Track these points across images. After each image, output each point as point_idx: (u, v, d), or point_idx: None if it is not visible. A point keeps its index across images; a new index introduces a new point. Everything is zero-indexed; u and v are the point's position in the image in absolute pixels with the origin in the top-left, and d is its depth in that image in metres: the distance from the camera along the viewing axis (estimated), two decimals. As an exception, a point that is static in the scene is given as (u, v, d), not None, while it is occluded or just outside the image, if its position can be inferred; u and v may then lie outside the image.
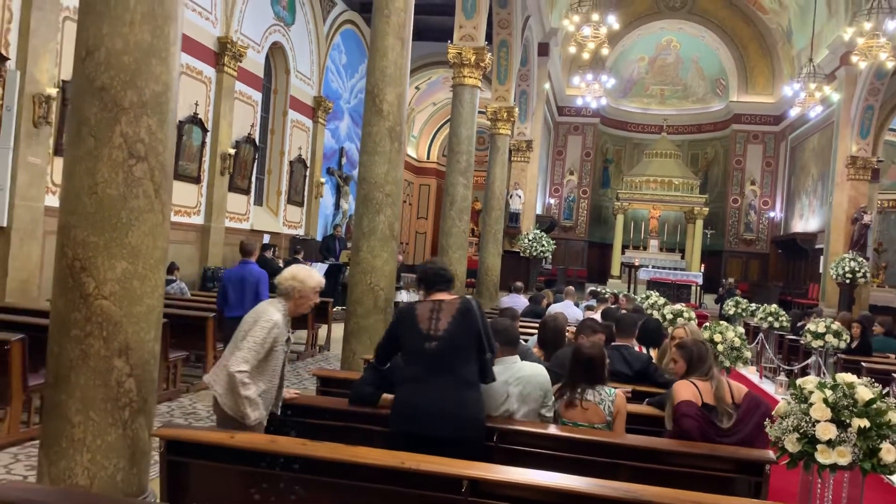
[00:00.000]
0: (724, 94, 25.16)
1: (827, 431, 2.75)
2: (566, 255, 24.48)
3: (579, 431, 3.48)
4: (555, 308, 9.49)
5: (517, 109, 15.33)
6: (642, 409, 4.17)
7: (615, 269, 24.02)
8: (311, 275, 3.59)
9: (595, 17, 12.49)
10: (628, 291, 17.84)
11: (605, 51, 12.97)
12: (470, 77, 11.17)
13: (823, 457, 2.75)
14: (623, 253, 24.16)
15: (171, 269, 9.89)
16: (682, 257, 24.14)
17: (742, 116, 24.43)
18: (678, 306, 8.87)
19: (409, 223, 24.68)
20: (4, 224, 7.69)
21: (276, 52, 14.12)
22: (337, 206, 17.56)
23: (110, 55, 3.26)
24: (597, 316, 8.54)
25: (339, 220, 17.14)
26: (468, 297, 3.61)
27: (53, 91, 8.07)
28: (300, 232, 15.53)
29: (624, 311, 8.40)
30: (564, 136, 25.49)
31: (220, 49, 11.66)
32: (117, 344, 3.24)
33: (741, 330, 5.91)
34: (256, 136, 13.23)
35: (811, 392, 2.88)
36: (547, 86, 19.60)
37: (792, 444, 2.85)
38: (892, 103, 17.06)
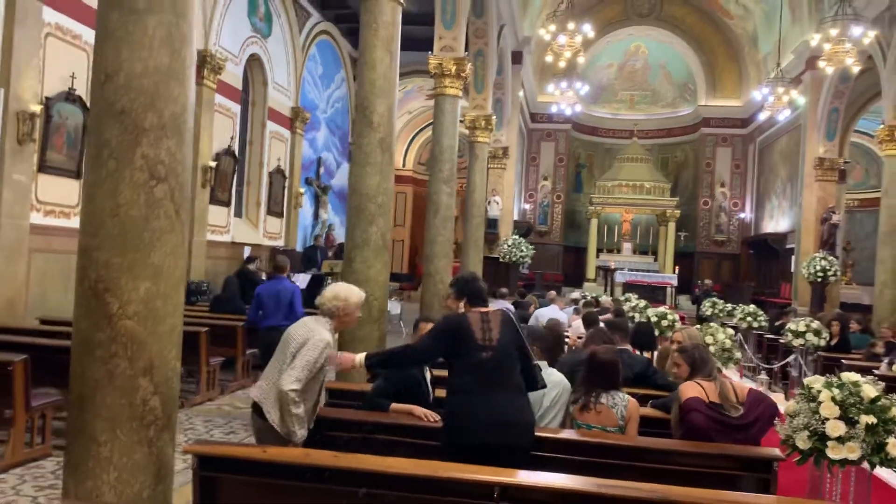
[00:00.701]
0: (693, 99, 25.64)
1: (837, 428, 2.90)
2: (542, 259, 24.66)
3: (592, 434, 3.60)
4: (542, 313, 9.63)
5: (494, 117, 15.49)
6: (648, 411, 4.30)
7: (590, 273, 24.33)
8: (352, 291, 3.67)
9: (571, 25, 12.71)
10: (605, 294, 18.09)
11: (580, 59, 13.20)
12: (451, 87, 11.28)
13: (834, 452, 2.90)
14: (597, 256, 24.49)
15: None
16: (655, 259, 24.53)
17: (710, 120, 24.93)
18: (662, 308, 9.06)
19: (386, 231, 24.66)
20: (-10, 243, 7.62)
21: (254, 64, 14.12)
22: (316, 216, 17.55)
23: (130, 79, 3.30)
24: (579, 320, 8.71)
25: (319, 231, 17.14)
26: (503, 308, 3.73)
27: (37, 108, 8.01)
28: (280, 243, 15.50)
29: (609, 315, 8.57)
30: (537, 142, 25.77)
31: (200, 62, 11.63)
32: (142, 363, 3.28)
33: (731, 332, 6.10)
34: (236, 148, 13.20)
35: (819, 391, 3.03)
36: (521, 93, 19.81)
37: (803, 442, 2.99)
38: (856, 106, 17.55)
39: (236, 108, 13.27)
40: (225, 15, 12.39)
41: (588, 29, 12.84)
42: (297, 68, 15.80)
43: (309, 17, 16.24)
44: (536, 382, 3.59)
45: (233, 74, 12.94)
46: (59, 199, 8.74)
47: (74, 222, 8.93)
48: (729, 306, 14.04)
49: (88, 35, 8.96)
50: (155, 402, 3.31)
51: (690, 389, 3.64)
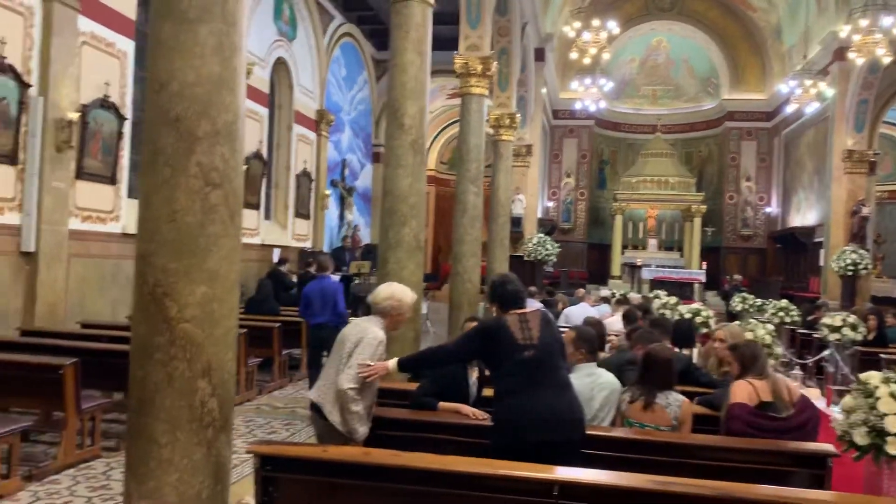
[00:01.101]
0: (716, 93, 25.44)
1: (896, 424, 2.90)
2: (566, 257, 24.56)
3: (646, 433, 3.61)
4: (572, 311, 9.64)
5: (519, 115, 15.47)
6: (695, 408, 4.29)
7: (615, 270, 24.22)
8: (406, 292, 3.73)
9: (595, 22, 12.68)
10: (631, 291, 17.99)
11: (606, 55, 13.16)
12: (477, 86, 11.29)
13: (893, 448, 2.89)
14: (622, 253, 24.39)
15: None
16: (681, 255, 24.37)
17: (735, 114, 24.71)
18: (695, 305, 9.01)
19: (410, 231, 24.71)
20: (32, 249, 7.76)
21: (279, 68, 14.23)
22: (341, 217, 17.66)
23: (183, 87, 3.36)
24: (618, 317, 8.69)
25: (346, 232, 17.25)
26: (542, 309, 3.75)
27: (75, 116, 8.15)
28: (308, 244, 15.62)
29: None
30: (560, 139, 25.71)
31: (228, 67, 11.75)
32: (200, 365, 3.34)
33: (771, 327, 6.06)
34: (264, 152, 13.33)
35: (877, 387, 3.02)
36: (543, 90, 19.77)
37: (861, 437, 2.99)
38: (885, 96, 17.32)
39: (264, 111, 13.40)
40: (252, 19, 12.50)
41: (613, 25, 12.80)
42: (322, 71, 15.91)
43: (332, 20, 16.34)
44: None
45: (260, 79, 13.06)
46: (96, 204, 8.87)
47: (110, 227, 9.10)
48: (759, 301, 13.91)
49: (122, 43, 9.12)
50: (213, 403, 3.37)
51: (740, 391, 3.63)
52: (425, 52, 7.43)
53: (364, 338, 3.53)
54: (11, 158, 7.53)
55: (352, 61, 18.07)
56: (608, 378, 3.89)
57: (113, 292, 9.15)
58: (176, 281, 3.33)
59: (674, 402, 3.72)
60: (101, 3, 8.73)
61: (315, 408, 3.59)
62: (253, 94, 12.64)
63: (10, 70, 7.37)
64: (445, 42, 12.09)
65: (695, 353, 6.02)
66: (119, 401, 6.70)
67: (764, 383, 3.66)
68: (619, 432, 3.69)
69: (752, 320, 6.16)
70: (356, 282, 14.37)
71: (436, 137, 25.29)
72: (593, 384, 3.83)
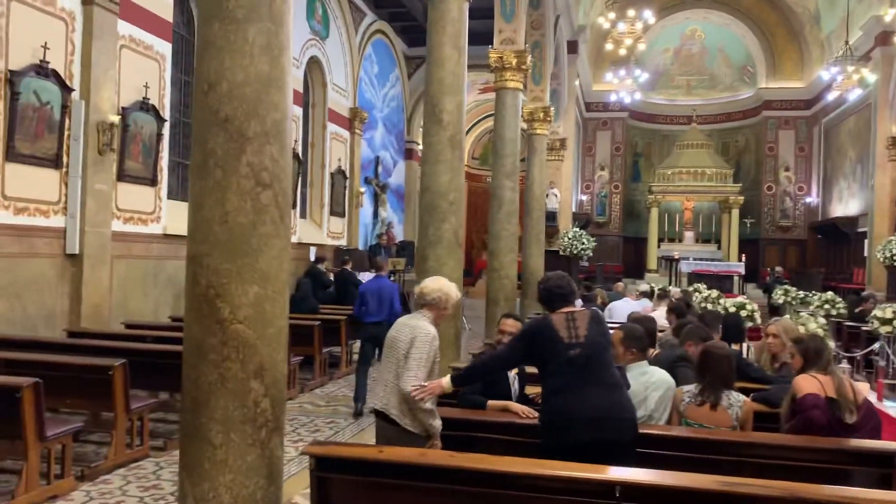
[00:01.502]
0: (752, 82, 24.97)
1: (973, 422, 2.78)
2: (601, 251, 24.30)
3: (705, 433, 3.52)
4: (616, 307, 9.52)
5: (552, 109, 15.34)
6: (755, 406, 4.18)
7: (651, 263, 23.94)
8: (453, 288, 3.76)
9: (631, 12, 12.51)
10: (670, 285, 17.75)
11: (641, 46, 12.98)
12: (512, 80, 11.22)
13: (971, 447, 2.78)
14: (658, 246, 24.09)
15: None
16: (719, 247, 24.01)
17: (772, 103, 24.24)
18: (739, 299, 8.85)
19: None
20: (77, 251, 7.87)
21: (313, 67, 14.27)
22: (375, 214, 17.68)
23: (232, 87, 3.35)
24: (661, 311, 8.57)
25: (380, 229, 17.27)
26: (594, 308, 3.70)
27: (116, 118, 8.24)
28: (343, 242, 15.66)
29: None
30: (593, 131, 25.47)
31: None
32: (253, 366, 3.33)
33: (822, 321, 5.91)
34: (300, 151, 13.38)
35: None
36: (576, 83, 19.59)
37: (935, 436, 2.87)
38: (930, 82, 16.82)
39: (299, 111, 13.44)
40: (285, 19, 12.55)
41: (648, 15, 12.61)
42: (354, 69, 15.93)
43: (364, 17, 16.35)
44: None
45: (295, 78, 13.10)
46: (137, 206, 8.97)
47: (151, 228, 9.20)
48: (801, 294, 13.61)
49: (159, 45, 9.21)
50: (266, 404, 3.36)
51: (807, 384, 3.51)
52: (462, 46, 7.38)
53: (417, 336, 3.53)
54: (55, 162, 7.64)
55: (384, 58, 18.06)
56: (661, 376, 3.80)
57: (154, 292, 9.26)
58: (228, 282, 3.32)
59: (735, 402, 3.61)
60: (139, 6, 8.81)
61: (381, 415, 3.59)
62: (288, 93, 12.70)
63: (53, 75, 7.47)
64: (477, 36, 12.01)
65: (744, 348, 5.89)
66: (165, 400, 6.78)
67: (829, 379, 3.54)
68: (676, 431, 3.62)
69: (802, 314, 6.01)
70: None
71: (468, 132, 25.23)
72: (647, 383, 3.76)
